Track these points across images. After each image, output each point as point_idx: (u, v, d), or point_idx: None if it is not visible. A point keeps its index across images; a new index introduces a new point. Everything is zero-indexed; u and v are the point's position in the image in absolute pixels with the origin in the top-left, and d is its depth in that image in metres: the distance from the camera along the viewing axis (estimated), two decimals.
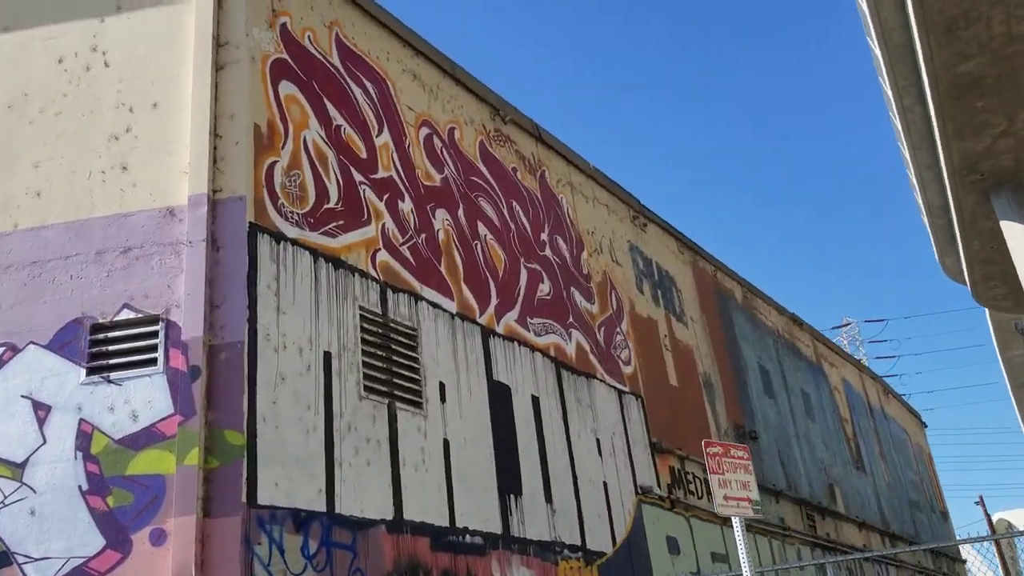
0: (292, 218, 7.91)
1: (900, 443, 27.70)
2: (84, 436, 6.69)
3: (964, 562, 31.65)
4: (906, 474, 26.97)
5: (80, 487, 6.54)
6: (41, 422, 6.76)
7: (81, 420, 6.74)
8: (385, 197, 9.26)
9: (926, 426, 32.98)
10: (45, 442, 6.69)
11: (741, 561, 5.88)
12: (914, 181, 11.67)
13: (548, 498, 10.06)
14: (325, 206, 8.37)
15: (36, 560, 6.33)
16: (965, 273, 13.38)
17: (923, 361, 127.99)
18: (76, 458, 6.62)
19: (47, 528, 6.40)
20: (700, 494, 13.79)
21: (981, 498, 54.06)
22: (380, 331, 8.46)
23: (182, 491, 6.50)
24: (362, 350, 8.15)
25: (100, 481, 6.56)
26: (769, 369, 18.98)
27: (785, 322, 21.36)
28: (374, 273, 8.65)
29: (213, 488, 6.56)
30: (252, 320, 7.12)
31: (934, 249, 13.59)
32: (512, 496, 9.49)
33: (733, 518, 5.95)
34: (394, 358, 8.52)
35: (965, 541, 8.78)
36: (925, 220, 12.89)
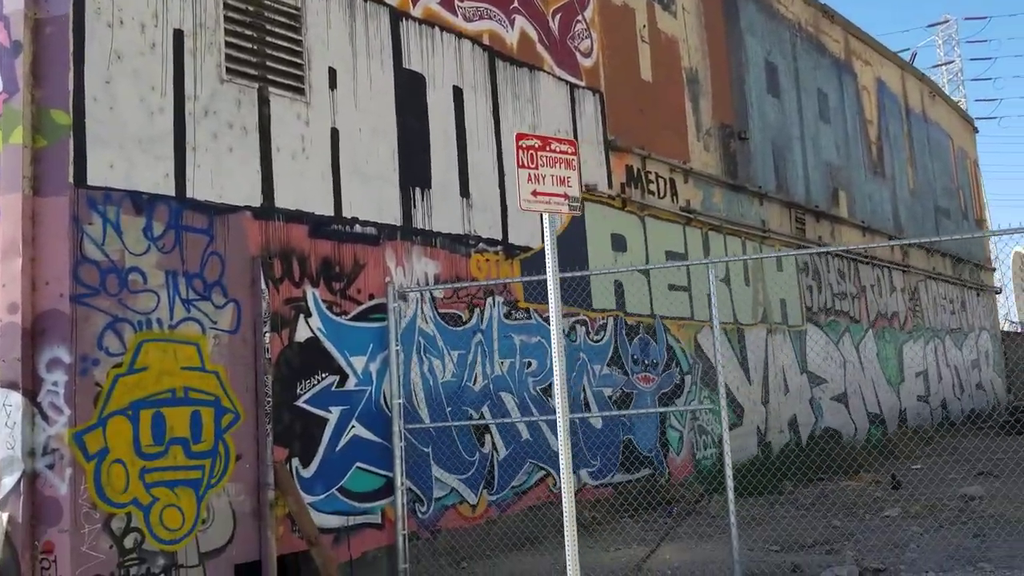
0: None
1: (939, 148, 26.41)
2: None
3: (993, 270, 31.32)
4: (940, 180, 25.98)
5: None
6: None
7: None
8: None
9: (977, 131, 31.23)
10: None
11: (547, 255, 5.65)
12: None
13: (465, 193, 9.85)
14: None
15: None
16: None
17: (1023, 63, 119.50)
18: None
19: None
20: (663, 193, 13.44)
21: None
22: (250, 8, 7.86)
23: (8, 169, 6.44)
24: (225, 29, 7.61)
25: None
26: (779, 66, 17.71)
27: (811, 13, 19.59)
28: None
29: (41, 168, 6.47)
30: None
31: None
32: (418, 189, 9.29)
33: (545, 215, 5.64)
34: (268, 39, 7.98)
35: (980, 236, 8.33)
36: None
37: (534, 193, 5.61)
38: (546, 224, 5.70)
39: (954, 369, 24.29)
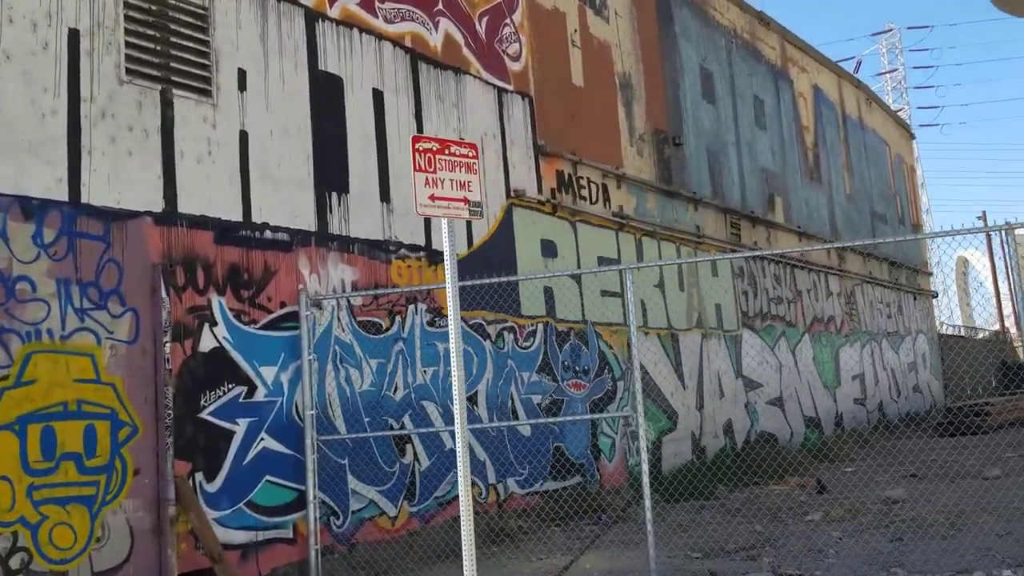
0: None
1: (875, 154, 26.84)
2: None
3: (930, 275, 31.91)
4: (876, 186, 26.39)
5: None
6: None
7: None
8: None
9: (914, 137, 31.82)
10: None
11: (446, 261, 5.50)
12: None
13: (385, 197, 9.67)
14: None
15: None
16: None
17: (964, 72, 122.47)
18: None
19: None
20: (595, 198, 13.39)
21: (984, 214, 53.56)
22: (153, 7, 7.61)
23: None
24: (125, 28, 7.35)
25: None
26: (714, 72, 17.81)
27: (747, 20, 19.76)
28: None
29: None
30: None
31: None
32: (335, 193, 9.08)
33: (443, 220, 5.49)
34: (172, 39, 7.73)
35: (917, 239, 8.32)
36: None
37: (432, 198, 5.45)
38: (444, 229, 5.54)
39: (891, 372, 24.65)
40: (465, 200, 5.58)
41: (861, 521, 9.08)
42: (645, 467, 7.81)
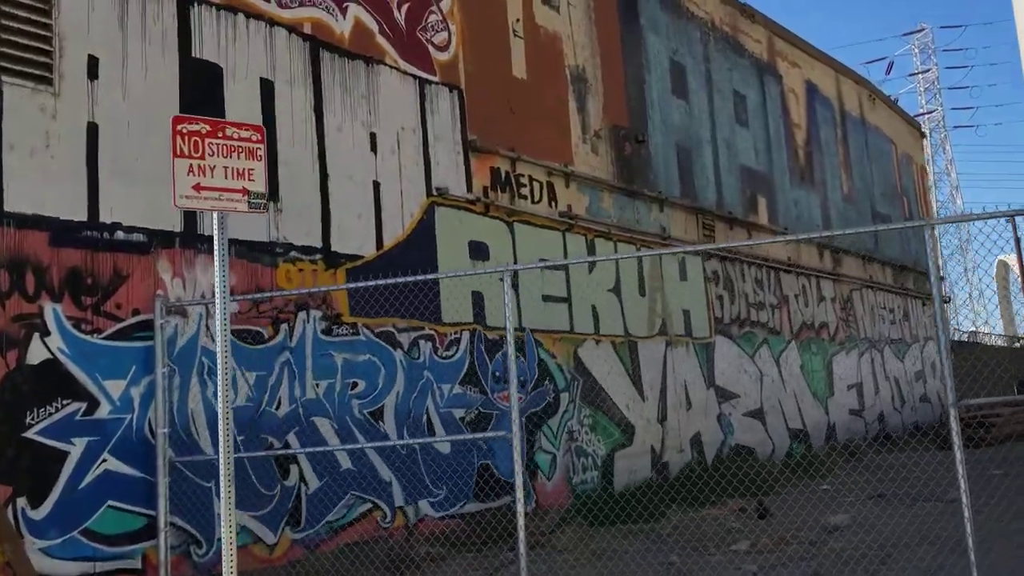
0: None
1: (879, 153, 25.67)
2: None
3: (943, 279, 30.51)
4: (879, 186, 25.22)
5: None
6: None
7: None
8: None
9: (925, 136, 30.54)
10: None
11: (216, 262, 4.72)
12: None
13: (272, 196, 8.91)
14: None
15: None
16: None
17: (999, 71, 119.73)
18: None
19: None
20: (538, 197, 12.55)
21: (1013, 219, 51.83)
22: None
23: None
24: None
25: None
26: (687, 66, 16.88)
27: (727, 12, 18.79)
28: None
29: None
30: None
31: None
32: None
33: (214, 213, 4.72)
34: (4, 22, 7.06)
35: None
36: None
37: (197, 187, 4.68)
38: (214, 225, 4.77)
39: (894, 381, 23.45)
40: (244, 191, 4.82)
41: (786, 552, 8.13)
42: (520, 506, 6.94)
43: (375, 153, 10.09)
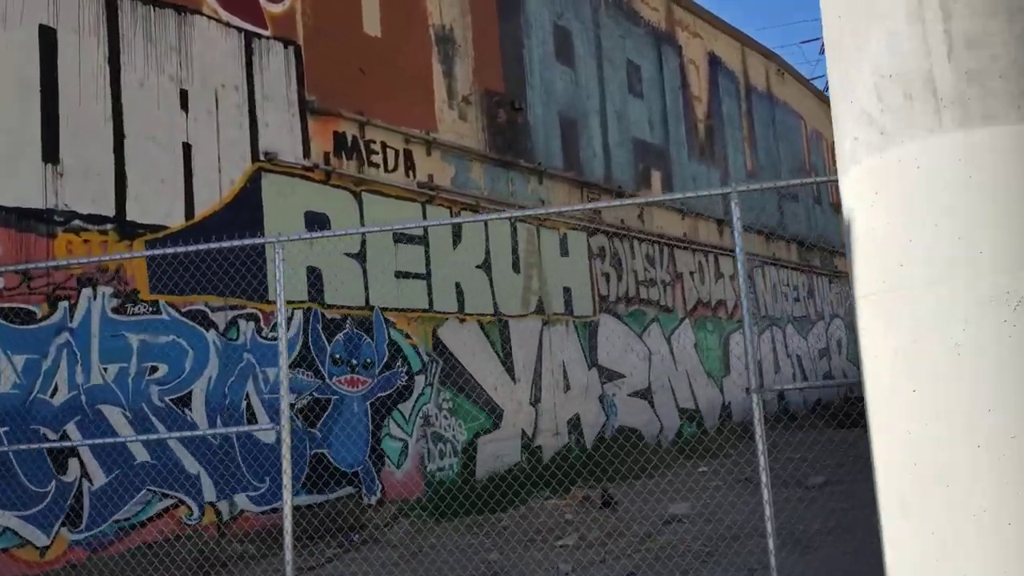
0: None
1: (787, 129, 25.32)
2: None
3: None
4: (787, 163, 24.87)
5: None
6: None
7: None
8: None
9: None
10: None
11: None
12: None
13: (51, 157, 7.91)
14: None
15: None
16: None
17: None
18: None
19: None
20: (393, 165, 11.69)
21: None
22: None
23: None
24: None
25: None
26: (572, 31, 16.11)
27: None
28: None
29: None
30: None
31: None
32: None
33: None
34: None
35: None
36: None
37: None
38: None
39: (796, 359, 23.21)
40: None
41: (613, 547, 7.49)
42: (287, 495, 6.14)
43: (186, 112, 9.12)
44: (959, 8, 2.95)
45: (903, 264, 2.86)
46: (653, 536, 7.76)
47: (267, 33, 10.16)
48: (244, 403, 9.21)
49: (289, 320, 9.85)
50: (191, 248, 6.34)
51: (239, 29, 9.83)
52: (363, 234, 10.80)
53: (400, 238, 11.45)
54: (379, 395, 10.83)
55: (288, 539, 5.99)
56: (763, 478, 5.69)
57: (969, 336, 2.68)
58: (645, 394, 16.35)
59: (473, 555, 7.68)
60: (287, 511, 6.02)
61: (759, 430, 5.70)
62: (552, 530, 8.48)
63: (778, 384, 21.73)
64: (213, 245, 6.34)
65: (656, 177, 18.07)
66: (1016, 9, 2.92)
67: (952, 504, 2.74)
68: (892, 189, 3.00)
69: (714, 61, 21.50)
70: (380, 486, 10.60)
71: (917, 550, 2.76)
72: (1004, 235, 2.78)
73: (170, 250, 6.41)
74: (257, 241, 6.29)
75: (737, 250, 5.92)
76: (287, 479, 6.04)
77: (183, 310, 8.73)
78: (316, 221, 10.36)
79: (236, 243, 6.34)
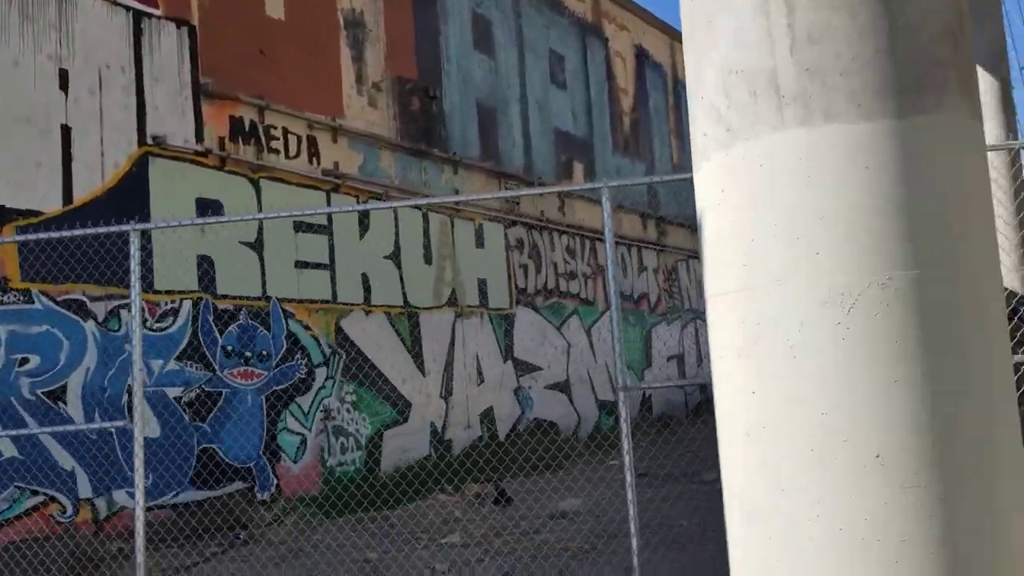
0: None
1: None
2: None
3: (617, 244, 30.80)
4: None
5: None
6: None
7: None
8: None
9: None
10: None
11: None
12: None
13: None
14: None
15: None
16: None
17: None
18: None
19: None
20: (295, 152, 11.38)
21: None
22: None
23: None
24: None
25: None
26: (493, 20, 15.92)
27: None
28: None
29: None
30: None
31: None
32: None
33: None
34: None
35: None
36: None
37: None
38: None
39: None
40: None
41: (494, 545, 7.36)
42: (139, 495, 5.86)
43: (66, 93, 8.72)
44: (803, 1, 2.84)
45: (747, 264, 2.76)
46: (537, 533, 7.65)
47: (158, 12, 9.78)
48: (125, 396, 8.86)
49: (176, 311, 9.52)
50: (42, 236, 6.02)
51: (127, 8, 9.44)
52: (260, 221, 10.52)
53: (301, 226, 11.17)
54: (275, 388, 10.55)
55: (140, 540, 5.73)
56: (628, 478, 5.62)
57: (806, 337, 2.58)
58: (563, 387, 16.29)
59: (355, 554, 7.48)
60: (139, 512, 5.76)
61: (625, 428, 5.62)
62: (439, 527, 8.33)
63: (702, 378, 21.92)
64: (65, 233, 6.04)
65: (579, 169, 18.00)
66: (859, 3, 2.82)
67: (788, 508, 2.65)
68: (738, 187, 2.89)
69: (642, 54, 21.50)
70: (275, 481, 10.33)
71: (759, 553, 2.67)
72: (842, 235, 2.70)
73: (20, 238, 6.08)
74: (111, 229, 5.99)
75: (608, 245, 5.83)
76: (139, 478, 5.77)
77: (58, 299, 8.36)
78: (208, 208, 10.03)
79: (90, 231, 6.03)
